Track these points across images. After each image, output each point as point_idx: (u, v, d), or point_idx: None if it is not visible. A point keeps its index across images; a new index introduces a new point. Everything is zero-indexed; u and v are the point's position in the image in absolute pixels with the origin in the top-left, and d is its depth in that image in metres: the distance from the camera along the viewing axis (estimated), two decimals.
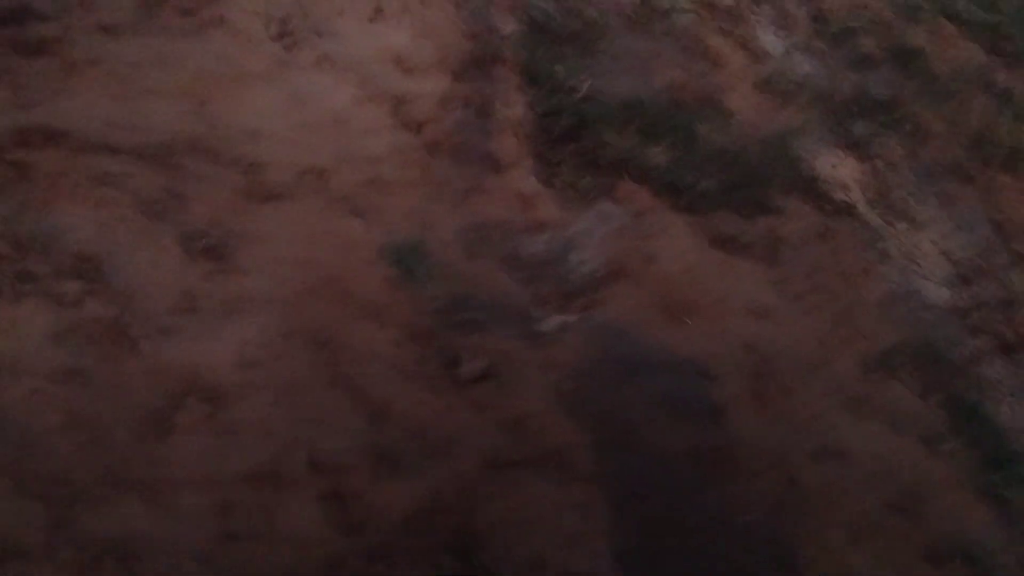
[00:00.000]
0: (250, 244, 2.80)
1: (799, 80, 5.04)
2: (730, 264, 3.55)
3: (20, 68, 3.12)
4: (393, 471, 2.30)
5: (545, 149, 3.81)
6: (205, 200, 2.87)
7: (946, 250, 4.06)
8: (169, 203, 2.79)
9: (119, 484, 2.04)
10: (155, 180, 2.85)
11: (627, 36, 4.99)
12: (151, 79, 3.24)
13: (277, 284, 2.69)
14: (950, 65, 5.43)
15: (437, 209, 3.32)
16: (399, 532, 2.19)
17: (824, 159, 4.40)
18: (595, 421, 2.78)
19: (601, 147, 3.89)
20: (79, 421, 2.10)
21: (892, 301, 3.69)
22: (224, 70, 3.34)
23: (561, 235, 3.43)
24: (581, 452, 2.64)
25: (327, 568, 2.08)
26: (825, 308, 3.53)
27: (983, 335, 3.63)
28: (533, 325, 3.07)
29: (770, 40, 5.33)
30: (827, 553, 2.68)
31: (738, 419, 2.96)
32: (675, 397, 2.98)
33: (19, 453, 2.01)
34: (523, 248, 3.37)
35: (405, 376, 2.61)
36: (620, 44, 4.88)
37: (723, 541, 2.62)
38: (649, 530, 2.56)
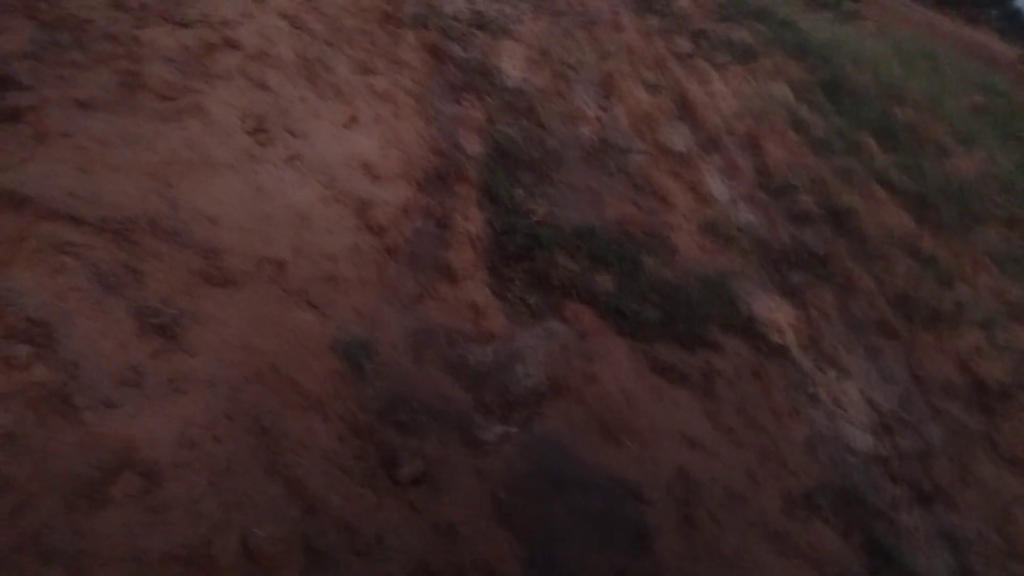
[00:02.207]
0: (201, 326, 2.81)
1: (742, 226, 5.34)
2: (668, 391, 3.66)
3: None
4: (324, 565, 2.27)
5: (500, 264, 3.95)
6: (161, 278, 2.89)
7: (871, 399, 4.25)
8: (125, 278, 2.80)
9: (42, 554, 1.97)
10: (114, 254, 2.86)
11: (584, 168, 5.26)
12: (120, 156, 3.29)
13: (225, 367, 2.69)
14: (880, 227, 5.81)
15: (389, 310, 3.38)
16: None
17: (762, 302, 4.62)
18: (527, 534, 2.78)
19: (552, 268, 4.05)
20: (10, 485, 2.04)
21: (818, 443, 3.82)
22: (193, 156, 3.41)
23: (508, 347, 3.51)
24: (511, 565, 2.64)
25: None
26: (755, 443, 3.64)
27: (902, 483, 3.77)
28: (474, 432, 3.10)
29: (717, 187, 5.66)
30: None
31: (666, 544, 2.99)
32: (607, 518, 3.01)
33: None
34: (470, 356, 3.43)
35: (343, 471, 2.60)
36: (577, 175, 5.13)
37: None
38: None
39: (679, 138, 6.14)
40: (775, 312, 4.66)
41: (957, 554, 3.56)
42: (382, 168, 3.93)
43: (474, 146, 4.71)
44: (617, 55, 6.86)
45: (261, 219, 3.35)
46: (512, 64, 5.90)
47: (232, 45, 4.20)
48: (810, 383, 4.24)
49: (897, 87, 8.17)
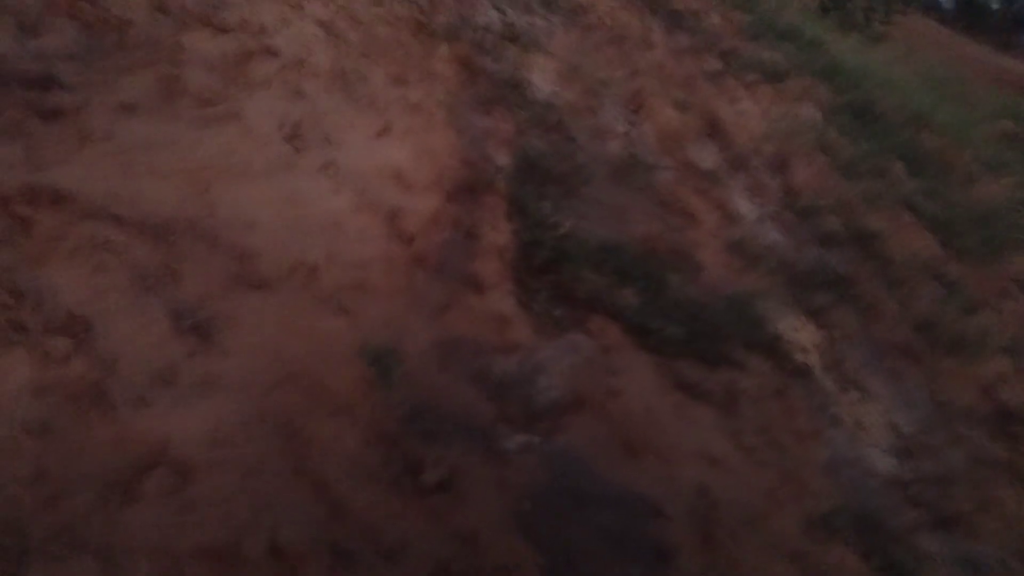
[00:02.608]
0: (235, 327, 2.87)
1: (768, 246, 5.35)
2: (690, 408, 3.68)
3: (37, 130, 3.24)
4: (348, 566, 2.31)
5: (526, 276, 3.98)
6: (197, 280, 2.95)
7: (893, 423, 4.24)
8: (163, 277, 2.87)
9: (75, 545, 2.03)
10: (152, 254, 2.93)
11: (611, 184, 5.29)
12: (160, 159, 3.37)
13: (256, 369, 2.75)
14: (905, 252, 5.80)
15: (417, 319, 3.43)
16: None
17: (786, 322, 4.63)
18: (547, 545, 2.81)
19: (578, 281, 4.07)
20: (46, 476, 2.10)
21: (839, 464, 3.82)
22: (232, 162, 3.48)
23: (532, 358, 3.54)
24: (532, 573, 2.66)
25: None
26: (776, 463, 3.64)
27: (922, 507, 3.76)
28: (497, 441, 3.13)
29: (744, 205, 5.68)
30: None
31: (685, 562, 3.01)
32: (626, 533, 3.03)
33: None
34: (495, 366, 3.47)
35: (369, 475, 2.64)
36: (604, 190, 5.16)
37: None
38: None
39: (707, 156, 6.16)
40: (799, 332, 4.66)
41: None
42: (413, 178, 3.99)
43: (503, 158, 4.75)
44: (647, 72, 6.89)
45: (295, 225, 3.41)
46: (543, 78, 5.95)
47: (270, 53, 4.28)
48: (832, 404, 4.24)
49: (925, 113, 8.15)
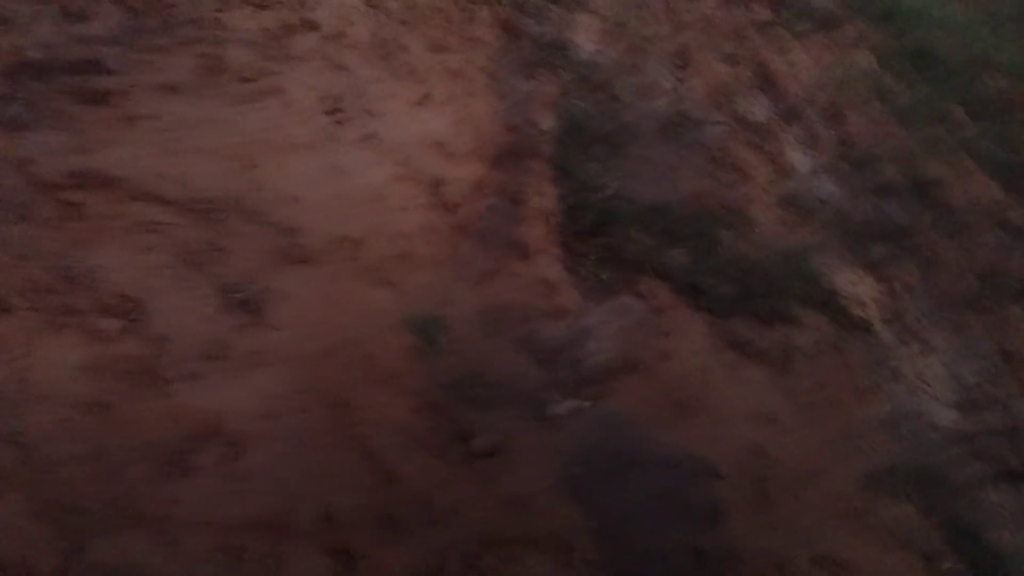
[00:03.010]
0: (282, 302, 2.90)
1: (823, 199, 5.19)
2: (744, 367, 3.61)
3: (82, 115, 3.31)
4: (398, 534, 2.33)
5: (572, 240, 3.94)
6: (244, 256, 2.99)
7: (956, 375, 4.11)
8: (210, 255, 2.91)
9: (132, 518, 2.09)
10: (199, 233, 2.97)
11: (659, 142, 5.19)
12: (204, 138, 3.41)
13: (303, 342, 2.78)
14: (968, 199, 5.57)
15: (462, 287, 3.42)
16: None
17: (843, 276, 4.50)
18: (599, 509, 2.80)
19: (626, 243, 4.02)
20: (101, 453, 2.16)
21: (899, 419, 3.72)
22: (275, 137, 3.51)
23: (580, 323, 3.52)
24: (582, 537, 2.66)
25: None
26: (833, 420, 3.56)
27: (987, 460, 3.64)
28: (544, 407, 3.13)
29: (797, 158, 5.51)
30: None
31: (740, 521, 2.97)
32: (679, 494, 3.01)
33: (40, 478, 2.07)
34: (542, 332, 3.45)
35: (417, 443, 2.66)
36: (652, 149, 5.06)
37: None
38: None
39: (758, 109, 5.99)
40: (857, 286, 4.53)
41: None
42: (455, 146, 3.97)
43: (547, 121, 4.69)
44: (693, 26, 6.70)
45: (338, 198, 3.43)
46: (586, 37, 5.84)
47: (310, 26, 4.28)
48: (892, 358, 4.12)
49: (987, 54, 7.77)
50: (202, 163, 3.30)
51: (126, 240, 2.77)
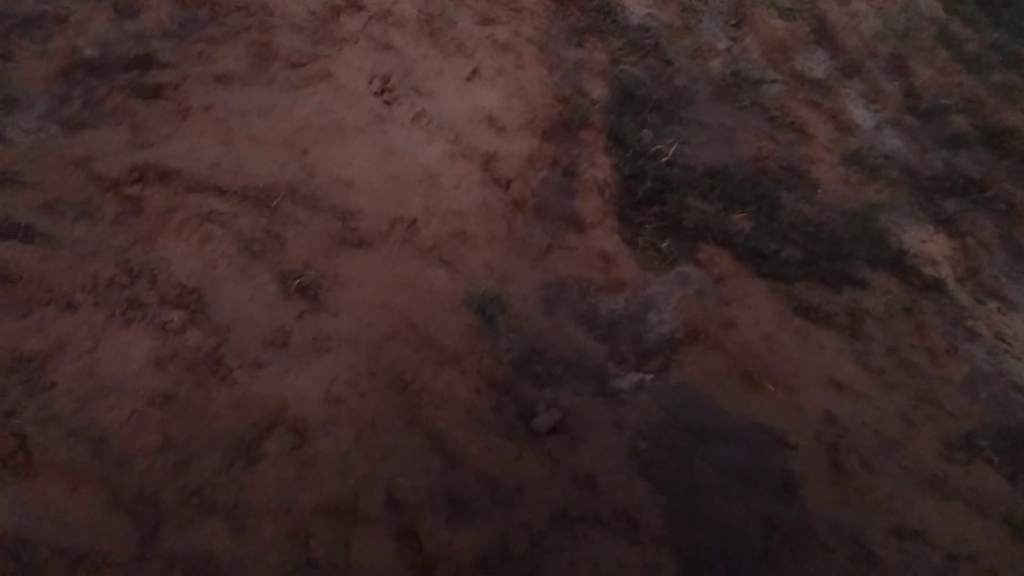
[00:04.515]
0: (341, 286, 2.91)
1: (888, 154, 5.02)
2: (812, 334, 3.52)
3: (138, 110, 3.35)
4: (466, 515, 2.33)
5: (629, 210, 3.88)
6: (301, 242, 3.00)
7: None
8: (268, 243, 2.93)
9: (205, 507, 2.12)
10: (256, 221, 2.99)
11: (715, 104, 5.07)
12: (258, 127, 3.42)
13: (364, 326, 2.78)
14: None
15: (519, 263, 3.39)
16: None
17: (913, 234, 4.36)
18: (667, 484, 2.76)
19: (685, 210, 3.94)
20: (173, 444, 2.20)
21: (979, 381, 3.60)
22: (326, 122, 3.51)
23: (640, 294, 3.46)
24: (652, 513, 2.62)
25: None
26: (908, 384, 3.46)
27: None
28: (608, 382, 3.09)
29: (860, 114, 5.34)
30: None
31: (814, 492, 2.91)
32: (750, 466, 2.95)
33: (116, 470, 2.11)
34: (602, 305, 3.41)
35: (481, 423, 2.65)
36: (707, 112, 4.95)
37: None
38: None
39: (817, 65, 5.81)
40: (928, 244, 4.38)
41: None
42: (506, 120, 3.92)
43: (598, 90, 4.61)
44: None
45: (392, 179, 3.42)
46: (636, 0, 5.73)
47: (356, 6, 4.27)
48: (969, 318, 3.98)
49: None
50: (255, 151, 3.32)
51: (184, 232, 2.80)
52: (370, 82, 3.77)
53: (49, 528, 1.95)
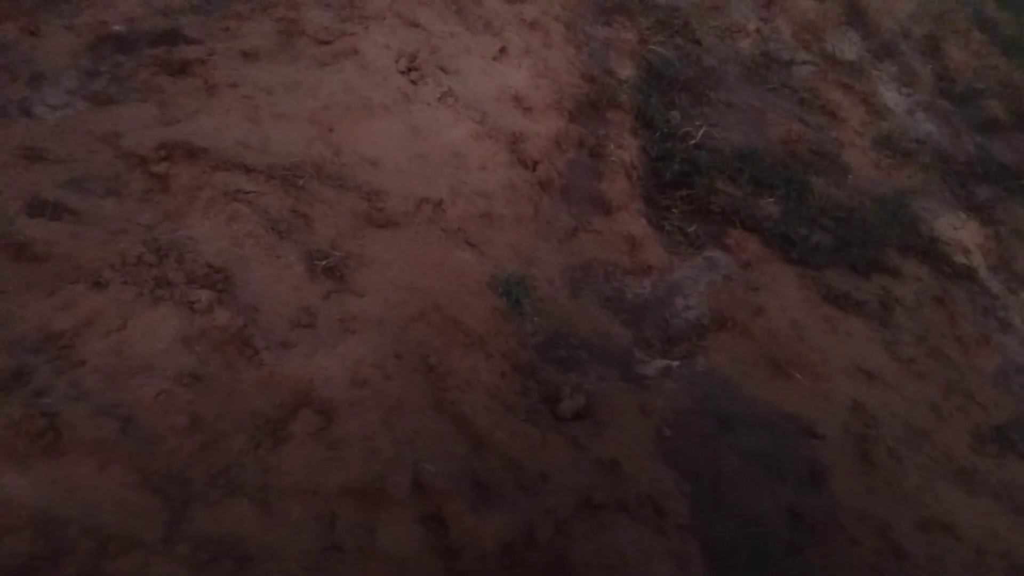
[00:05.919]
0: (367, 267, 2.89)
1: (921, 139, 4.94)
2: (841, 321, 3.48)
3: (166, 87, 3.33)
4: (491, 500, 2.32)
5: (656, 193, 3.83)
6: (328, 222, 2.98)
7: None
8: (295, 223, 2.91)
9: (233, 487, 2.12)
10: (283, 200, 2.97)
11: (744, 86, 4.99)
12: (284, 104, 3.39)
13: (391, 307, 2.77)
14: None
15: (545, 246, 3.36)
16: (494, 562, 2.21)
17: (944, 220, 4.29)
18: (692, 471, 2.74)
19: (712, 194, 3.89)
20: (201, 424, 2.19)
21: (1011, 372, 3.54)
22: (352, 100, 3.47)
23: (667, 279, 3.43)
24: (677, 501, 2.61)
25: None
26: (938, 374, 3.41)
27: None
28: (634, 367, 3.07)
29: (892, 97, 5.25)
30: None
31: (841, 482, 2.88)
32: (776, 455, 2.92)
33: (145, 449, 2.11)
34: (627, 290, 3.38)
35: (506, 407, 2.63)
36: (737, 93, 4.88)
37: None
38: None
39: (848, 46, 5.71)
40: (960, 231, 4.31)
41: None
42: (533, 100, 3.87)
43: (626, 70, 4.56)
44: None
45: (417, 159, 3.39)
46: None
47: None
48: (1001, 307, 3.92)
49: None
50: (282, 129, 3.29)
51: (212, 210, 2.78)
52: (397, 60, 3.73)
53: (78, 507, 1.95)
